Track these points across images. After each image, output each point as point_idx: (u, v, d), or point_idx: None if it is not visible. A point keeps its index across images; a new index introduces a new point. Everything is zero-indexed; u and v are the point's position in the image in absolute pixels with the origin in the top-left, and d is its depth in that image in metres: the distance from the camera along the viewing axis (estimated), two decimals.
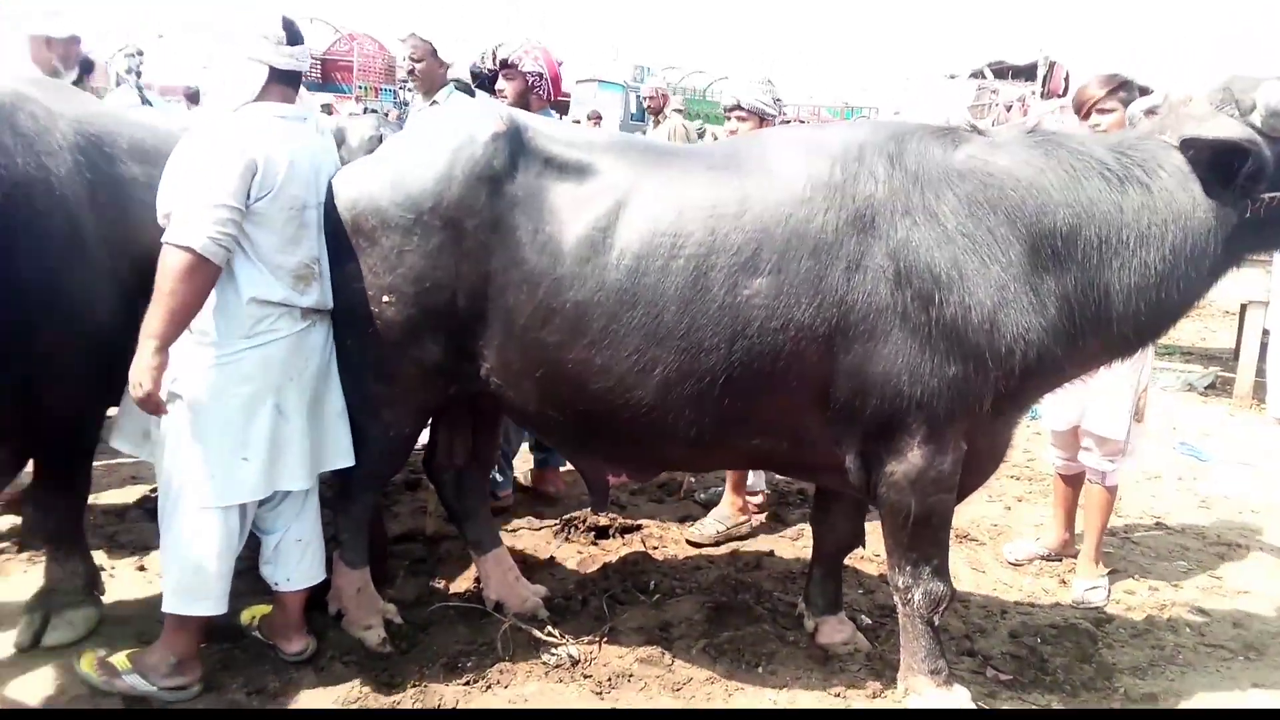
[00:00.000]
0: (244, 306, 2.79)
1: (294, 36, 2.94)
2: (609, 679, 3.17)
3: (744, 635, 3.44)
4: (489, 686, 3.11)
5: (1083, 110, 3.92)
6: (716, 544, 4.41)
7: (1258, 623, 3.87)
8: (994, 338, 2.64)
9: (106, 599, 3.47)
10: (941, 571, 2.98)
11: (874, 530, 3.53)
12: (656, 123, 9.56)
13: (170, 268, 2.61)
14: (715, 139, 8.79)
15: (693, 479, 5.22)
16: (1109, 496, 4.12)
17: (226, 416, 2.81)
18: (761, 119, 4.51)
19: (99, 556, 3.84)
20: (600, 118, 12.47)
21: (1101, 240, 2.69)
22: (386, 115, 7.34)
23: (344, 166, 3.13)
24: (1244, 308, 8.07)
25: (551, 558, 4.19)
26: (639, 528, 4.55)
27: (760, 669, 3.29)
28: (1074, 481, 4.36)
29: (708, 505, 4.88)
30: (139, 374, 2.59)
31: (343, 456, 3.10)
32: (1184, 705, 3.25)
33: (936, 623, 3.00)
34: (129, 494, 4.69)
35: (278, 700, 2.97)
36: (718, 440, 2.99)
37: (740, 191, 2.82)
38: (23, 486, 4.17)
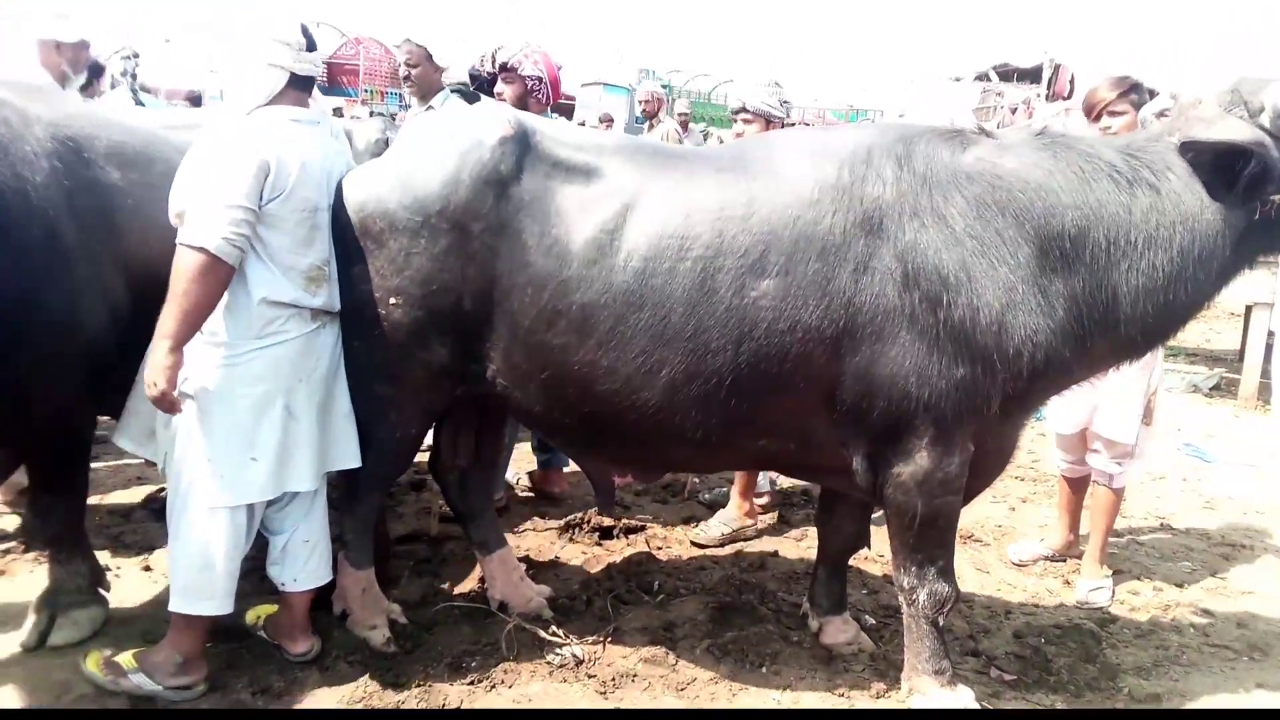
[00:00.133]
0: (255, 307, 2.80)
1: (310, 43, 2.98)
2: (613, 679, 3.18)
3: (748, 635, 3.45)
4: (493, 686, 3.11)
5: (1093, 113, 3.91)
6: (721, 545, 4.42)
7: (1262, 623, 3.87)
8: (1002, 340, 2.64)
9: (112, 599, 3.47)
10: (947, 572, 2.98)
11: (879, 531, 3.54)
12: (651, 126, 9.66)
13: (184, 268, 2.63)
14: (721, 141, 8.80)
15: (697, 480, 5.22)
16: (1116, 499, 4.12)
17: (236, 417, 2.82)
18: (768, 121, 4.51)
19: (104, 556, 3.86)
20: (612, 120, 12.48)
21: (1110, 242, 2.69)
22: (393, 118, 7.36)
23: (352, 169, 3.14)
24: (1249, 309, 8.07)
25: (556, 558, 4.19)
26: (643, 528, 4.56)
27: (764, 669, 3.30)
28: (1078, 485, 4.36)
29: (712, 506, 4.89)
30: (153, 373, 2.61)
31: (350, 458, 3.11)
32: (1188, 706, 3.25)
33: (941, 623, 3.00)
34: (135, 494, 4.71)
35: (283, 700, 2.98)
36: (724, 441, 2.99)
37: (747, 194, 2.83)
38: (22, 486, 4.20)
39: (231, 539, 2.87)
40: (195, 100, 8.81)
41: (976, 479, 2.98)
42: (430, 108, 4.72)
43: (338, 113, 12.56)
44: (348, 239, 3.00)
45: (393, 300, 2.99)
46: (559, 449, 4.56)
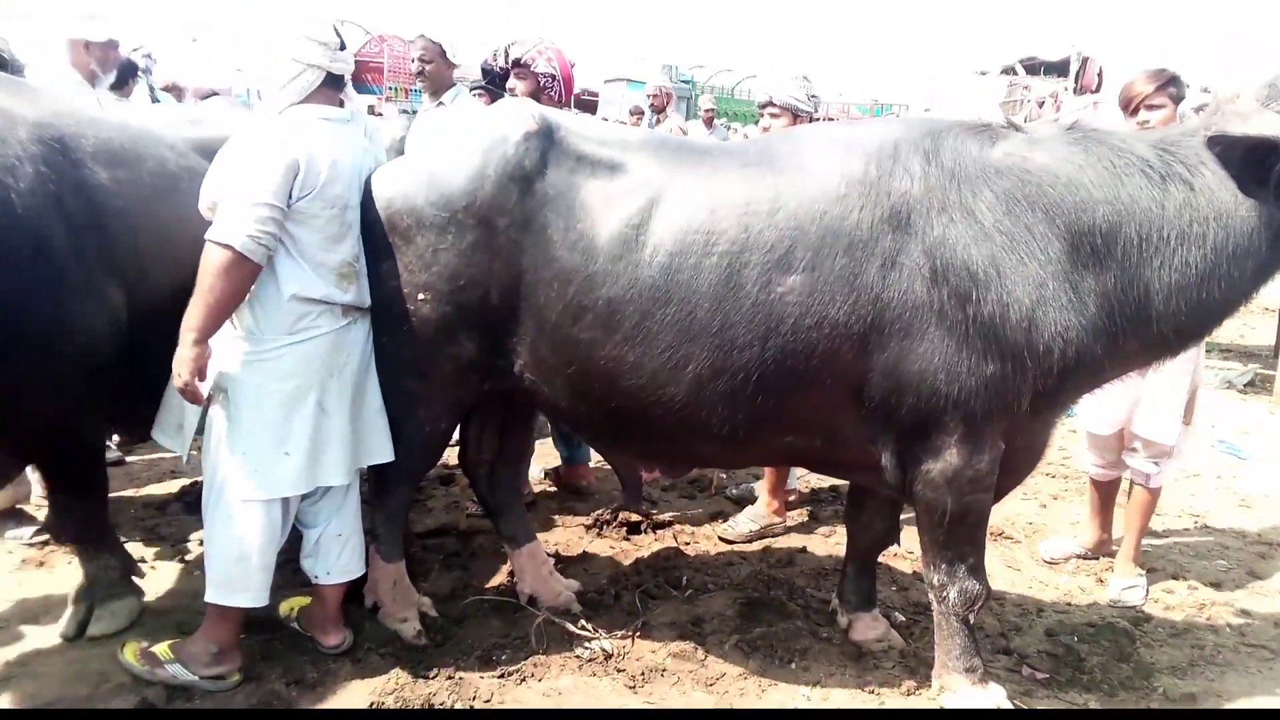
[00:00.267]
0: (286, 303, 2.84)
1: (342, 42, 3.02)
2: (642, 673, 3.19)
3: (777, 631, 3.45)
4: (523, 679, 3.13)
5: (1130, 106, 3.82)
6: (749, 542, 4.41)
7: None
8: (1032, 336, 2.61)
9: (148, 591, 3.54)
10: (977, 570, 2.96)
11: (908, 527, 3.53)
12: (658, 121, 9.70)
13: (210, 264, 2.67)
14: (746, 137, 8.79)
15: (724, 476, 5.22)
16: (1152, 498, 4.06)
17: (268, 411, 2.86)
18: (795, 116, 4.49)
19: (139, 549, 3.94)
20: (643, 113, 12.46)
21: (1142, 238, 2.65)
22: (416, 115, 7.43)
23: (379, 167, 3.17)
24: None
25: (584, 552, 4.21)
26: (671, 523, 4.57)
27: (793, 665, 3.29)
28: (1109, 487, 4.30)
29: (739, 501, 4.89)
30: (179, 365, 2.67)
31: (382, 452, 3.15)
32: (1225, 706, 3.21)
33: (972, 621, 2.99)
34: (169, 487, 4.77)
35: (316, 691, 3.02)
36: (750, 437, 2.99)
37: (773, 189, 2.82)
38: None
39: (266, 532, 2.91)
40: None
41: (1007, 476, 2.95)
42: (441, 104, 4.74)
43: (371, 111, 12.66)
44: (376, 236, 3.02)
45: (421, 296, 3.01)
46: (586, 443, 4.58)
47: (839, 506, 4.81)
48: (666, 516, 4.65)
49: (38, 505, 4.30)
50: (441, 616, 3.47)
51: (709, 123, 12.33)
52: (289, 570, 3.38)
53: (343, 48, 3.00)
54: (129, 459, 5.11)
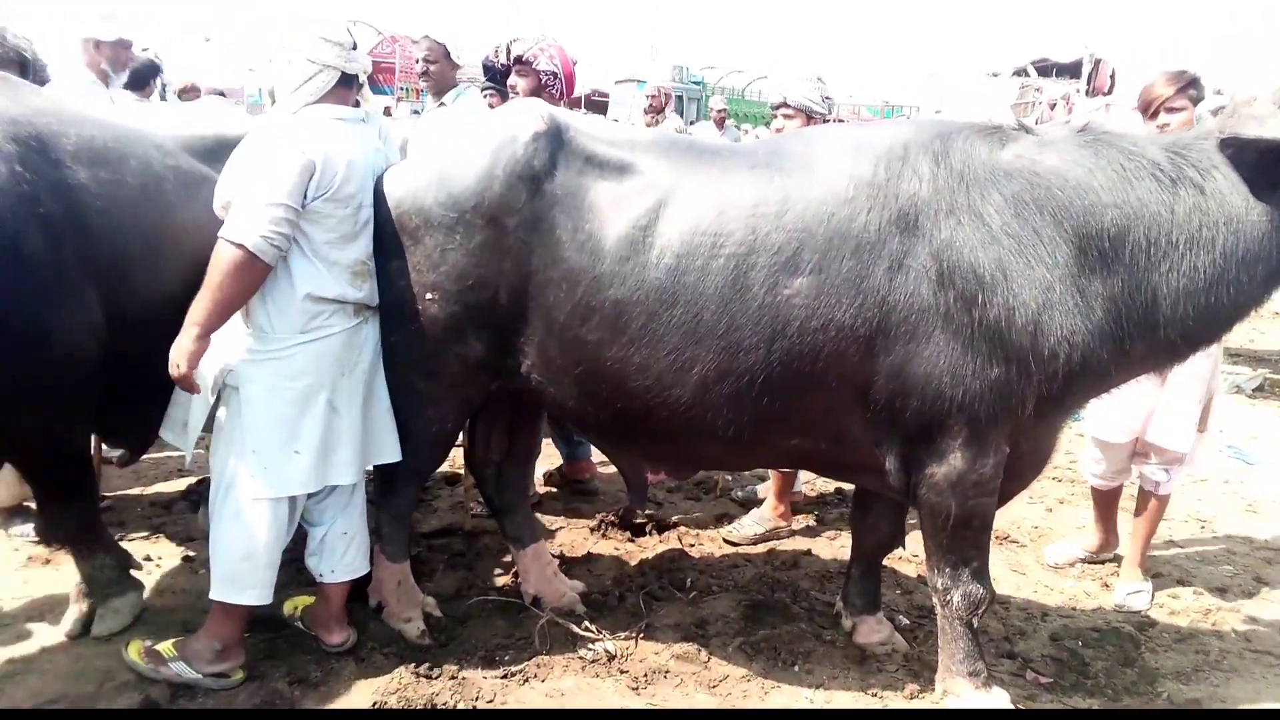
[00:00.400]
0: (300, 302, 2.85)
1: (354, 42, 3.03)
2: (645, 675, 3.19)
3: (781, 634, 3.44)
4: (526, 679, 3.13)
5: (1150, 109, 3.77)
6: (754, 544, 4.41)
7: None
8: (1038, 340, 2.60)
9: (153, 589, 3.55)
10: (981, 574, 2.95)
11: (913, 530, 3.52)
12: (656, 122, 9.74)
13: (221, 261, 2.68)
14: (758, 138, 8.78)
15: (730, 478, 5.22)
16: (1160, 505, 4.04)
17: (279, 410, 2.87)
18: (809, 117, 4.44)
19: (145, 547, 3.95)
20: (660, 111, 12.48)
21: (1150, 242, 2.63)
22: None
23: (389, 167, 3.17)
24: None
25: (589, 553, 4.21)
26: (676, 525, 4.56)
27: (797, 668, 3.29)
28: (1110, 495, 4.28)
29: (745, 504, 4.89)
30: (177, 355, 2.67)
31: (390, 452, 3.16)
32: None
33: (975, 625, 2.98)
34: (176, 486, 4.78)
35: (319, 690, 3.02)
36: (756, 439, 2.99)
37: (782, 190, 2.81)
38: None
39: (273, 530, 2.92)
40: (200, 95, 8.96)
41: (1012, 481, 2.95)
42: (443, 104, 4.74)
43: (386, 112, 12.69)
44: (385, 235, 3.03)
45: (429, 295, 3.02)
46: (592, 444, 4.57)
47: (844, 510, 4.80)
48: (672, 518, 4.65)
49: None
50: (446, 616, 3.47)
51: (720, 123, 12.31)
52: (293, 569, 3.39)
53: (354, 48, 3.01)
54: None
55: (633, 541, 4.37)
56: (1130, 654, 3.47)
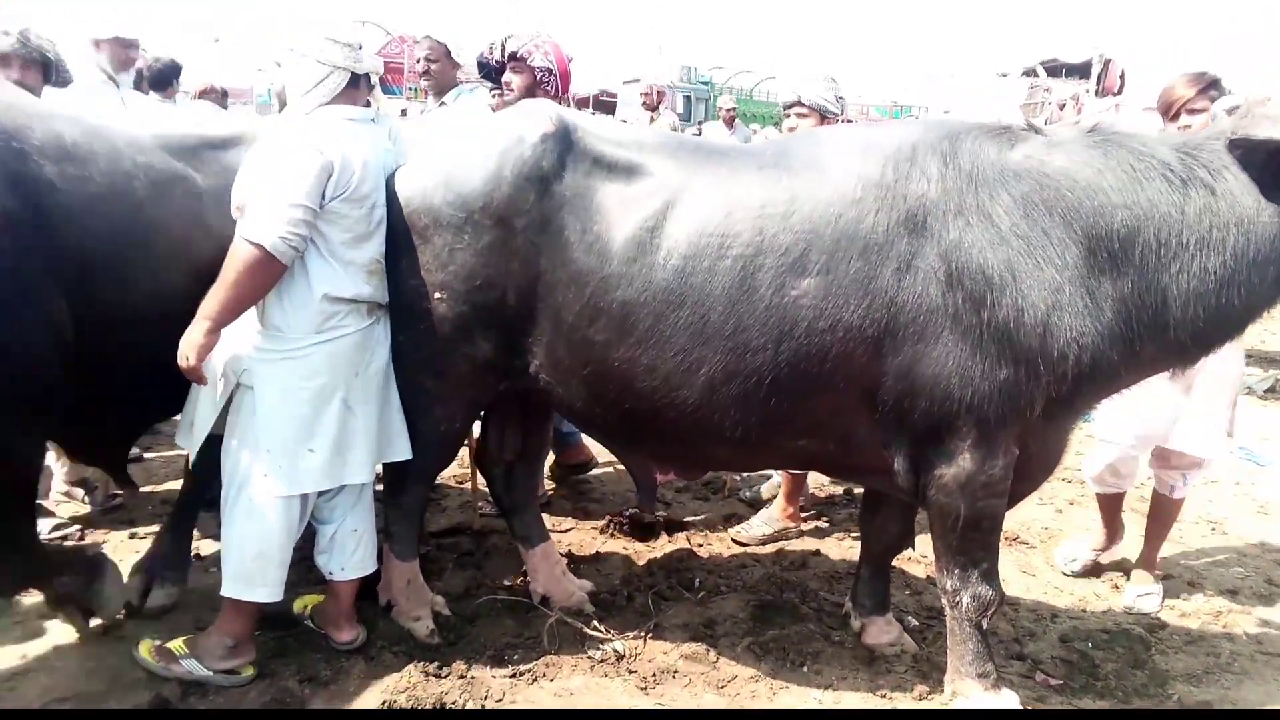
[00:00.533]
0: (317, 303, 2.87)
1: (360, 42, 3.05)
2: (654, 674, 3.19)
3: (789, 634, 3.44)
4: (535, 679, 3.14)
5: (1171, 111, 3.75)
6: (762, 544, 4.41)
7: None
8: (1047, 341, 2.59)
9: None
10: (991, 575, 2.95)
11: (922, 532, 3.51)
12: (651, 119, 9.73)
13: (238, 259, 2.71)
14: (766, 139, 8.77)
15: (738, 478, 5.22)
16: (1175, 508, 4.02)
17: (294, 409, 2.89)
18: (823, 116, 4.40)
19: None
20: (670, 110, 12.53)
21: (1160, 243, 2.61)
22: None
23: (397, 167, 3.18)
24: None
25: (597, 553, 4.22)
26: (684, 525, 4.57)
27: (805, 668, 3.29)
28: (1114, 500, 4.25)
29: (753, 504, 4.88)
30: (187, 347, 2.70)
31: (402, 450, 3.17)
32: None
33: (985, 626, 2.97)
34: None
35: (329, 688, 3.03)
36: (764, 441, 2.99)
37: (789, 191, 2.81)
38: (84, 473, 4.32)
39: (285, 528, 2.94)
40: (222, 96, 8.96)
41: (1021, 482, 2.93)
42: (443, 104, 4.74)
43: (404, 114, 12.69)
44: (394, 235, 3.04)
45: (437, 295, 3.03)
46: (600, 444, 4.57)
47: (853, 510, 4.80)
48: (680, 518, 4.65)
49: (57, 500, 4.35)
50: (454, 615, 3.48)
51: (730, 123, 12.26)
52: (303, 567, 3.41)
53: (360, 48, 3.03)
54: (146, 455, 5.16)
55: (641, 541, 4.38)
56: (1140, 656, 3.45)
